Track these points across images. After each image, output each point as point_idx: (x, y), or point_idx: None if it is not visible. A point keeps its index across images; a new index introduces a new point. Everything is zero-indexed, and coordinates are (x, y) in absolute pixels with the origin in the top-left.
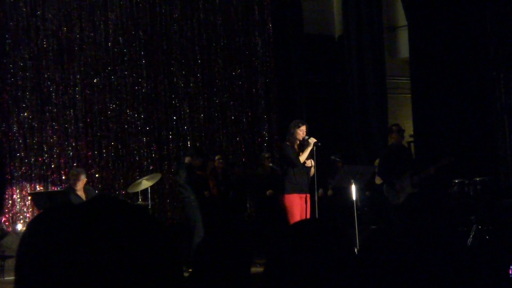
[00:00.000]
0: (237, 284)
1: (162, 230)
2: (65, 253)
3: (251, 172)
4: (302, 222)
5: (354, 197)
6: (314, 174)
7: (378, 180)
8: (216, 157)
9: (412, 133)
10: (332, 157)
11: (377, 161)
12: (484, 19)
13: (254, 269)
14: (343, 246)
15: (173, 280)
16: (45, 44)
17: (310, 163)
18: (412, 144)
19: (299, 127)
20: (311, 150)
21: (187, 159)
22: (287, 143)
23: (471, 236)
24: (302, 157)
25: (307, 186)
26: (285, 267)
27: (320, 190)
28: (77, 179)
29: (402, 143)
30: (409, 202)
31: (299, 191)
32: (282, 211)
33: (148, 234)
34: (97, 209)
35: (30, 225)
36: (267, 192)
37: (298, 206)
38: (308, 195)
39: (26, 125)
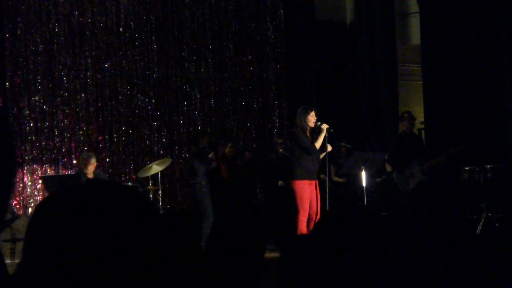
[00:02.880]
0: (251, 269)
1: (153, 211)
2: (67, 237)
3: (262, 157)
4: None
5: (364, 184)
6: (325, 159)
7: (388, 167)
8: (229, 145)
9: (423, 120)
10: (343, 144)
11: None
12: (496, 6)
13: (266, 255)
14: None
15: (166, 259)
16: (56, 28)
17: (329, 147)
18: (423, 131)
19: (308, 113)
20: (324, 136)
21: (211, 155)
22: (299, 129)
23: (481, 223)
24: (318, 144)
25: (317, 172)
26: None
27: (322, 175)
28: (87, 163)
29: (413, 131)
30: (419, 189)
31: (310, 177)
32: (292, 197)
33: (139, 215)
34: (92, 193)
35: (37, 209)
36: (279, 183)
37: (307, 192)
38: (317, 182)
39: (37, 109)
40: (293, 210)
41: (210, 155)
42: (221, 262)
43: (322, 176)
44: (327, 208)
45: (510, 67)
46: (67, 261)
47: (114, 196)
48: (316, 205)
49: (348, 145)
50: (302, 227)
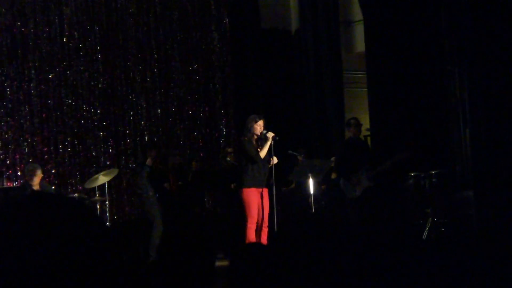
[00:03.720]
0: (202, 278)
1: (99, 223)
2: (12, 249)
3: (209, 166)
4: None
5: (311, 191)
6: (272, 168)
7: (333, 175)
8: (177, 152)
9: (368, 127)
10: (290, 152)
11: (333, 158)
12: (439, 14)
13: (216, 263)
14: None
15: (112, 271)
16: None
17: (275, 160)
18: (368, 138)
19: (256, 121)
20: (270, 145)
21: (148, 161)
22: (245, 138)
23: (427, 229)
24: (262, 153)
25: (265, 180)
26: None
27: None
28: (33, 174)
29: (359, 137)
30: (365, 196)
31: (258, 185)
32: (240, 205)
33: (85, 227)
34: (37, 205)
35: None
36: (232, 185)
37: (256, 200)
38: (266, 190)
39: None
40: (242, 218)
41: (148, 162)
42: (171, 271)
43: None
44: (275, 216)
45: (453, 75)
46: (10, 274)
47: (59, 208)
48: (262, 213)
49: (295, 153)
50: (251, 235)
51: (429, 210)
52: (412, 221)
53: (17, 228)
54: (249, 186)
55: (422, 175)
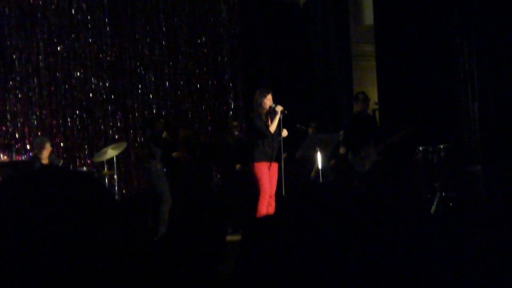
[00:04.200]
0: (213, 252)
1: (108, 194)
2: (21, 223)
3: (217, 140)
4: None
5: (319, 165)
6: (281, 142)
7: (342, 150)
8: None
9: (377, 100)
10: (298, 125)
11: (342, 132)
12: None
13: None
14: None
15: (122, 244)
16: (7, 10)
17: (285, 132)
18: (377, 112)
19: (265, 96)
20: (279, 118)
21: (164, 134)
22: (255, 113)
23: (435, 203)
24: (272, 127)
25: (275, 154)
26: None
27: (285, 154)
28: (42, 148)
29: (367, 111)
30: (374, 169)
31: (268, 159)
32: (252, 179)
33: (94, 199)
34: (47, 179)
35: None
36: (236, 166)
37: (266, 174)
38: (276, 163)
39: None
40: (253, 193)
41: (164, 135)
42: (182, 245)
43: (284, 155)
44: (283, 191)
45: (462, 48)
46: (20, 246)
47: (69, 182)
48: (270, 187)
49: (303, 126)
50: (262, 209)
51: (437, 185)
52: (420, 195)
53: (27, 201)
54: (260, 160)
55: (430, 149)
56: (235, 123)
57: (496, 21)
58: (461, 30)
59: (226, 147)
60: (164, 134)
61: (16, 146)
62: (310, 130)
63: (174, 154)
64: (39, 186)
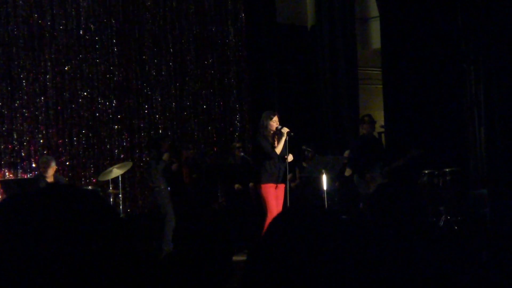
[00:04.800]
0: (220, 272)
1: (113, 213)
2: (26, 241)
3: (222, 161)
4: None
5: (325, 187)
6: (287, 164)
7: (347, 172)
8: (189, 146)
9: (383, 123)
10: (303, 147)
11: (347, 152)
12: (455, 11)
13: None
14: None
15: (127, 263)
16: (15, 31)
17: (290, 157)
18: (383, 134)
19: (271, 118)
20: (285, 140)
21: (165, 156)
22: (261, 135)
23: (440, 226)
24: (278, 149)
25: (282, 176)
26: (268, 253)
27: (290, 175)
28: (47, 166)
29: (373, 134)
30: (379, 192)
31: (275, 181)
32: (258, 201)
33: (100, 218)
34: (52, 197)
35: None
36: (235, 186)
37: (274, 196)
38: (283, 185)
39: None
40: (258, 213)
41: (164, 157)
42: (188, 265)
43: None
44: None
45: (469, 73)
46: (25, 265)
47: (74, 200)
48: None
49: (309, 149)
50: None
51: (443, 208)
52: (426, 219)
53: (32, 220)
54: (267, 182)
55: (436, 172)
56: (238, 144)
57: (503, 47)
58: (468, 56)
59: (229, 167)
60: (165, 156)
61: (22, 165)
62: (309, 153)
63: (173, 166)
64: (45, 204)
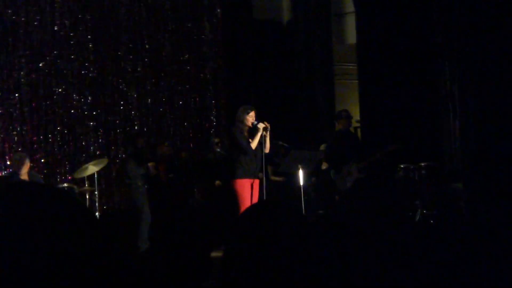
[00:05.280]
0: (197, 268)
1: (87, 213)
2: None
3: (199, 157)
4: (257, 205)
5: (301, 182)
6: (263, 159)
7: (324, 166)
8: (165, 144)
9: (358, 118)
10: (279, 143)
11: (322, 146)
12: (430, 7)
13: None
14: (297, 225)
15: (102, 261)
16: None
17: (267, 149)
18: (359, 129)
19: (248, 113)
20: (262, 135)
21: (151, 166)
22: (236, 129)
23: (416, 220)
24: (253, 144)
25: (257, 171)
26: (244, 248)
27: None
28: (21, 164)
29: (349, 129)
30: (356, 187)
31: (250, 176)
32: (233, 196)
33: (72, 216)
34: (22, 195)
35: None
36: (215, 183)
37: (248, 191)
38: (257, 181)
39: None
40: (234, 209)
41: (150, 165)
42: (166, 262)
43: (259, 174)
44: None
45: (443, 68)
46: None
47: (45, 198)
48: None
49: (285, 144)
50: None
51: (419, 202)
52: (402, 213)
53: (1, 218)
54: (241, 177)
55: (412, 167)
56: (217, 140)
57: (478, 40)
58: (442, 50)
59: (207, 163)
60: (152, 168)
61: None
62: (282, 147)
63: (150, 164)
64: (14, 201)
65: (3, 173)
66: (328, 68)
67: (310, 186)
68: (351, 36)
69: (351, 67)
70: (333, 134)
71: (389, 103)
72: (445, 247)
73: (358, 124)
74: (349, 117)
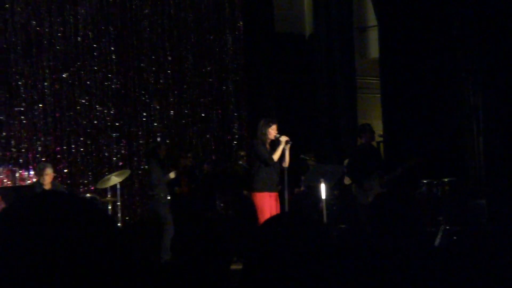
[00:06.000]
0: (217, 280)
1: (109, 221)
2: (23, 248)
3: (221, 169)
4: (276, 217)
5: (323, 196)
6: (284, 172)
7: (347, 181)
8: (188, 155)
9: (381, 133)
10: (302, 156)
11: (346, 161)
12: (452, 21)
13: (233, 266)
14: (318, 237)
15: (121, 268)
16: (13, 38)
17: (287, 163)
18: (381, 144)
19: (270, 126)
20: (283, 148)
21: (172, 174)
22: (258, 141)
23: (439, 236)
24: (275, 156)
25: (278, 184)
26: (263, 261)
27: (296, 189)
28: (44, 173)
29: (371, 143)
30: (378, 202)
31: (270, 189)
32: (253, 209)
33: (95, 225)
34: (47, 204)
35: None
36: (244, 192)
37: (268, 204)
38: (277, 194)
39: None
40: (253, 222)
41: (172, 175)
42: (186, 274)
43: (296, 190)
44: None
45: (467, 82)
46: (22, 271)
47: (70, 207)
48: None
49: (306, 157)
50: None
51: (441, 218)
52: (424, 228)
53: (26, 226)
54: (262, 190)
55: (435, 182)
56: (242, 153)
57: (501, 57)
58: (466, 65)
59: (232, 176)
60: (172, 174)
61: (20, 172)
62: (310, 161)
63: (176, 189)
64: (40, 210)
65: (27, 183)
66: (351, 82)
67: (332, 200)
68: (374, 50)
69: (373, 81)
70: (355, 149)
71: (411, 118)
72: (467, 264)
73: (380, 139)
74: (371, 131)
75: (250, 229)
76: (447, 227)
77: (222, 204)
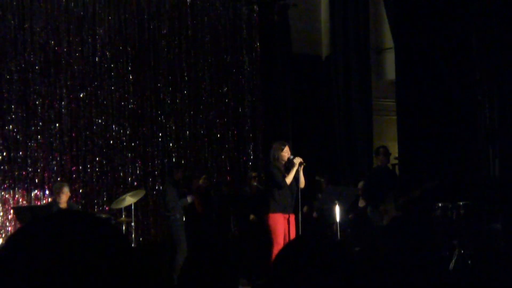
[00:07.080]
0: None
1: (126, 241)
2: (39, 268)
3: (236, 191)
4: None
5: (337, 218)
6: (298, 194)
7: (361, 203)
8: (203, 177)
9: (397, 155)
10: (317, 178)
11: (361, 183)
12: (470, 43)
13: None
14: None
15: None
16: (32, 57)
17: (302, 184)
18: (396, 166)
19: (282, 149)
20: (297, 170)
21: (189, 199)
22: (272, 163)
23: (453, 260)
24: (288, 179)
25: (292, 206)
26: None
27: (305, 207)
28: (60, 192)
29: (387, 166)
30: (393, 225)
31: (284, 211)
32: (267, 231)
33: (111, 246)
34: (63, 223)
35: (9, 240)
36: (250, 217)
37: (282, 226)
38: (293, 215)
39: (10, 138)
40: (268, 245)
41: (189, 200)
42: None
43: (305, 208)
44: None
45: (484, 105)
46: None
47: (86, 227)
48: (289, 240)
49: (322, 179)
50: None
51: (456, 242)
52: (439, 252)
53: (43, 246)
54: (276, 212)
55: (450, 205)
56: (254, 174)
57: None
58: (482, 87)
59: (244, 197)
60: (190, 199)
61: (36, 191)
62: (322, 183)
63: (189, 198)
64: (57, 230)
65: (42, 202)
66: (367, 103)
67: (347, 222)
68: (390, 72)
69: (389, 103)
70: (371, 171)
71: (428, 140)
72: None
73: (396, 161)
74: (387, 153)
75: (263, 251)
76: (462, 251)
77: (236, 226)
